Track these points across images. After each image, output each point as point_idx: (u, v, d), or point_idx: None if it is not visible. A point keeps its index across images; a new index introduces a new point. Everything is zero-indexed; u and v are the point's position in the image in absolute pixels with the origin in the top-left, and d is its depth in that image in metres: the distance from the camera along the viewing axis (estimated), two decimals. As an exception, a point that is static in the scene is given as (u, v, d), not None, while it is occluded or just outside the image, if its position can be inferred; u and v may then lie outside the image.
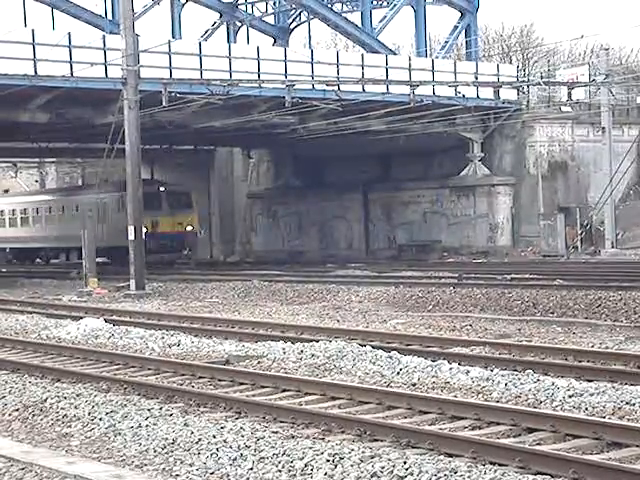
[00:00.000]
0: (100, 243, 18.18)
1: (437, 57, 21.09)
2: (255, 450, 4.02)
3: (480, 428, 4.42)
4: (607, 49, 20.81)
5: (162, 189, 19.44)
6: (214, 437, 4.26)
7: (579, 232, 18.23)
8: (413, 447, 4.11)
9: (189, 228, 19.63)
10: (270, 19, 23.48)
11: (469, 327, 8.49)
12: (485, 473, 3.51)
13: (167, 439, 4.30)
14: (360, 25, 20.93)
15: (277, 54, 16.94)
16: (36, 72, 13.98)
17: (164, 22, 21.87)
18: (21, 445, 4.38)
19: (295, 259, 20.55)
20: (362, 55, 18.40)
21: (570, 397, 4.92)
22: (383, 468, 3.62)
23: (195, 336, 8.08)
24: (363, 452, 3.84)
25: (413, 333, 7.99)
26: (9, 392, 5.70)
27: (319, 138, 17.60)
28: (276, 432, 4.38)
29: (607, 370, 5.77)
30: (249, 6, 23.00)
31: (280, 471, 3.74)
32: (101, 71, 14.46)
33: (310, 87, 16.33)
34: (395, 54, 22.99)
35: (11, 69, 13.80)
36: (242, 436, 4.26)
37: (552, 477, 3.58)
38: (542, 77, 19.69)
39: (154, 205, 18.30)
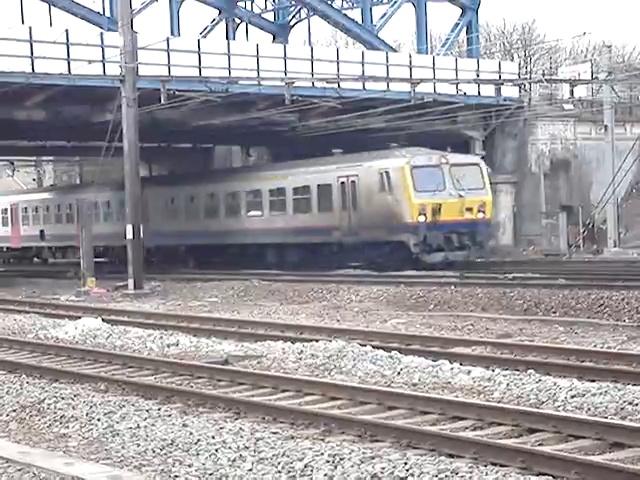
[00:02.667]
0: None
1: (438, 54, 21.03)
2: (254, 451, 4.00)
3: (482, 429, 4.40)
4: (609, 46, 20.73)
5: (444, 160, 13.92)
6: (213, 438, 4.24)
7: (581, 231, 18.15)
8: (414, 448, 4.09)
9: (481, 215, 13.97)
10: (269, 16, 23.42)
11: (470, 327, 8.46)
12: (487, 474, 3.49)
13: (166, 440, 4.28)
14: (360, 22, 20.85)
15: (277, 51, 16.87)
16: (33, 70, 13.93)
17: (162, 19, 21.81)
18: (18, 446, 4.35)
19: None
20: (362, 52, 18.32)
21: (572, 397, 4.89)
22: (384, 469, 3.60)
23: (194, 336, 8.05)
24: (363, 453, 3.83)
25: (414, 333, 7.97)
26: (6, 392, 5.68)
27: (319, 136, 17.53)
28: (276, 433, 4.37)
29: (610, 370, 5.75)
30: (248, 3, 22.94)
31: (280, 472, 3.72)
32: (99, 69, 14.40)
33: (310, 85, 16.25)
34: (396, 51, 22.92)
35: (8, 66, 13.75)
36: (241, 437, 4.24)
37: (554, 478, 3.56)
38: (544, 74, 19.58)
39: (435, 183, 13.78)
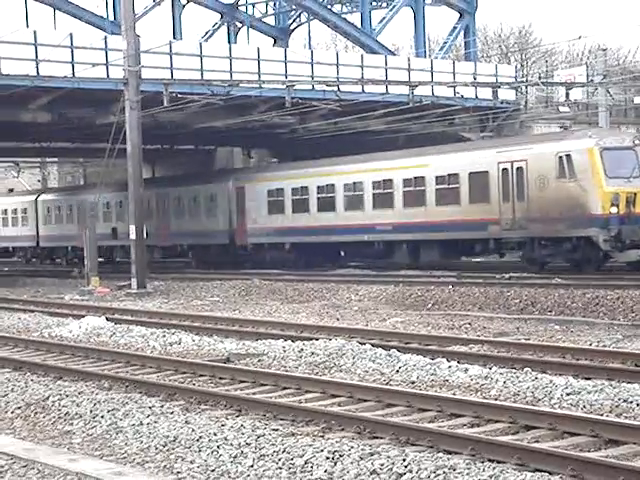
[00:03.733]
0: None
1: (436, 58, 21.04)
2: (255, 447, 4.02)
3: (479, 425, 4.42)
4: (605, 49, 20.77)
5: (638, 142, 12.01)
6: (215, 435, 4.26)
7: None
8: (412, 444, 4.11)
9: None
10: (270, 20, 23.50)
11: (468, 325, 8.48)
12: (484, 470, 3.51)
13: (168, 437, 4.30)
14: (360, 26, 20.91)
15: (277, 55, 16.95)
16: (38, 73, 14.00)
17: (165, 23, 21.95)
18: (23, 443, 4.38)
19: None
20: (362, 56, 18.41)
21: (568, 395, 4.91)
22: (382, 465, 3.63)
23: (196, 334, 8.08)
24: (363, 449, 3.85)
25: (412, 331, 7.98)
26: (11, 390, 5.71)
27: (319, 138, 17.57)
28: (276, 430, 4.39)
29: (605, 368, 5.76)
30: (249, 7, 23.01)
31: (280, 468, 3.75)
32: (103, 72, 14.47)
33: (310, 87, 16.35)
34: (394, 55, 22.96)
35: (13, 70, 13.82)
36: (242, 434, 4.27)
37: (550, 474, 3.57)
38: (540, 77, 19.66)
39: (628, 168, 11.71)
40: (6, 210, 25.93)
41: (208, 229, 18.35)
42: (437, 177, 13.98)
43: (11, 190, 29.00)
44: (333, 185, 15.67)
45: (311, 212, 16.06)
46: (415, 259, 14.48)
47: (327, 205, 15.76)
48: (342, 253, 16.50)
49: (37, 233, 24.18)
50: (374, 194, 14.90)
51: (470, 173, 13.43)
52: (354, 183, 15.30)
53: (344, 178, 15.46)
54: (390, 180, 14.63)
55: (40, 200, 24.52)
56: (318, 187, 15.93)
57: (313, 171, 16.21)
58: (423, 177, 14.16)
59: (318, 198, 15.89)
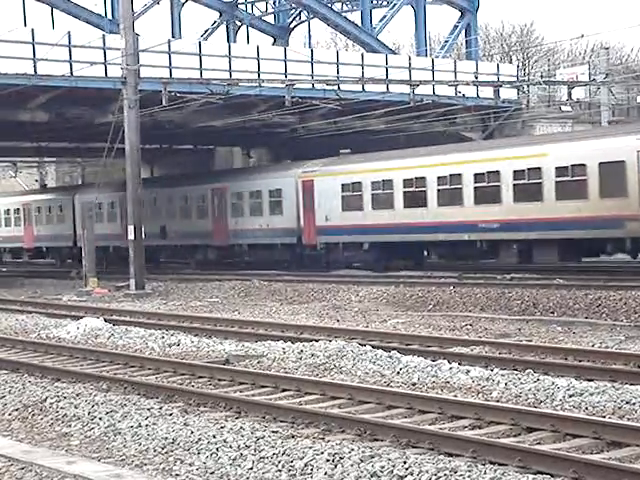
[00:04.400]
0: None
1: (437, 56, 21.02)
2: (255, 450, 4.01)
3: (480, 428, 4.41)
4: (607, 48, 20.77)
5: None
6: (214, 437, 4.25)
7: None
8: (413, 447, 4.11)
9: None
10: (270, 18, 23.47)
11: (469, 327, 8.47)
12: (485, 473, 3.50)
13: (167, 439, 4.29)
14: (360, 24, 20.87)
15: (277, 53, 16.89)
16: (36, 71, 13.95)
17: (164, 21, 21.91)
18: (21, 445, 4.37)
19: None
20: (362, 54, 18.35)
21: (570, 397, 4.91)
22: (383, 468, 3.62)
23: (195, 336, 8.08)
24: (363, 452, 3.84)
25: (413, 333, 7.98)
26: (9, 392, 5.69)
27: (319, 137, 17.53)
28: (276, 432, 4.38)
29: (607, 370, 5.76)
30: (249, 5, 22.99)
31: (280, 471, 3.73)
32: (101, 70, 14.42)
33: (310, 86, 16.27)
34: (395, 53, 23.00)
35: (11, 68, 13.78)
36: (242, 436, 4.25)
37: (552, 477, 3.57)
38: (542, 76, 19.63)
39: None
40: (39, 208, 22.90)
41: (271, 227, 16.41)
42: (557, 168, 12.29)
43: (44, 186, 26.66)
44: (424, 178, 13.90)
45: (396, 208, 14.30)
46: (525, 260, 12.95)
47: (416, 200, 14.00)
48: (426, 253, 15.08)
49: (74, 232, 21.11)
50: (476, 188, 13.23)
51: (601, 163, 11.82)
52: (450, 176, 13.59)
53: (438, 170, 13.77)
54: (497, 172, 12.97)
55: (78, 197, 21.74)
56: (405, 180, 14.19)
57: (399, 163, 14.43)
58: (539, 168, 12.49)
59: (405, 192, 14.15)
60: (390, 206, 14.54)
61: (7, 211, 24.80)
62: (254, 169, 18.91)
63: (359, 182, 15.05)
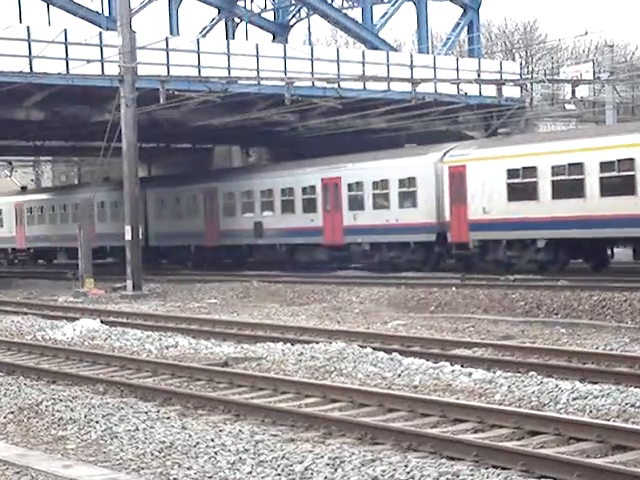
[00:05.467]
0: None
1: (439, 54, 20.95)
2: (254, 453, 3.98)
3: (483, 431, 4.38)
4: (611, 46, 20.65)
5: None
6: (212, 440, 4.22)
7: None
8: (415, 450, 4.07)
9: None
10: (269, 15, 23.40)
11: (471, 328, 8.44)
12: (488, 477, 3.48)
13: (164, 442, 4.26)
14: (361, 21, 20.79)
15: (276, 51, 16.78)
16: (32, 69, 13.88)
17: (161, 18, 21.81)
18: (16, 448, 4.33)
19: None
20: (363, 52, 18.24)
21: (574, 400, 4.87)
22: (384, 472, 3.59)
23: (193, 338, 8.03)
24: (364, 456, 3.81)
25: (415, 334, 7.93)
26: (4, 394, 5.65)
27: (319, 136, 17.45)
28: (275, 435, 4.35)
29: (612, 372, 5.73)
30: (248, 2, 22.92)
31: (279, 475, 3.70)
32: (97, 68, 14.33)
33: (310, 84, 16.16)
34: (396, 51, 22.97)
35: (6, 66, 13.71)
36: (241, 439, 4.23)
37: (556, 481, 3.53)
38: (545, 74, 19.56)
39: None
40: (103, 202, 20.02)
41: (401, 223, 13.84)
42: None
43: (107, 179, 24.01)
44: (632, 160, 11.18)
45: (587, 197, 11.61)
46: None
47: (618, 187, 11.30)
48: (611, 251, 12.40)
49: (146, 231, 17.93)
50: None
51: None
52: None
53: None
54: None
55: (150, 191, 18.68)
56: (603, 164, 11.46)
57: (594, 142, 11.76)
58: None
59: (601, 178, 11.44)
60: (579, 195, 11.77)
61: None
62: (377, 154, 15.19)
63: (533, 167, 12.38)
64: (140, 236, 13.69)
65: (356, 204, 14.92)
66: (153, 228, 18.86)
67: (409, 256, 14.27)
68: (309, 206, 15.77)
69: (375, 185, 14.72)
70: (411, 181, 14.22)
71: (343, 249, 15.39)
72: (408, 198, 14.20)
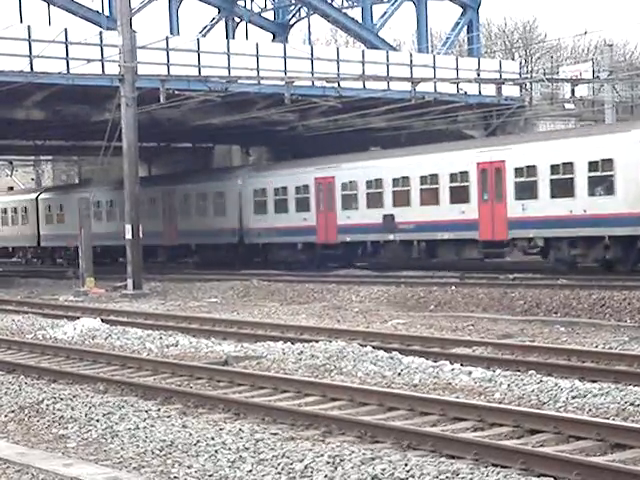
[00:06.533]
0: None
1: (439, 53, 20.97)
2: (254, 452, 3.98)
3: (482, 430, 4.38)
4: (611, 45, 20.68)
5: None
6: (213, 439, 4.22)
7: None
8: (414, 449, 4.07)
9: None
10: (269, 15, 23.41)
11: (471, 327, 8.43)
12: (487, 475, 3.48)
13: (165, 441, 4.26)
14: (360, 21, 20.80)
15: (276, 50, 16.80)
16: (32, 68, 13.89)
17: (162, 18, 21.81)
18: (17, 447, 4.33)
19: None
20: (362, 51, 18.27)
21: (573, 398, 4.88)
22: (384, 470, 3.59)
23: (193, 336, 8.03)
24: (364, 454, 3.81)
25: (414, 333, 7.93)
26: (5, 393, 5.66)
27: (319, 135, 17.44)
28: (275, 434, 4.35)
29: (611, 371, 5.73)
30: (248, 2, 22.92)
31: (280, 473, 3.70)
32: (98, 68, 14.35)
33: (310, 84, 16.19)
34: (396, 50, 22.98)
35: (7, 65, 13.71)
36: (241, 438, 4.23)
37: (555, 479, 3.54)
38: (545, 74, 19.53)
39: None
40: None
41: (591, 214, 11.00)
42: None
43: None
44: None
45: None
46: None
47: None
48: None
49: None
50: None
51: None
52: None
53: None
54: None
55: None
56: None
57: None
58: None
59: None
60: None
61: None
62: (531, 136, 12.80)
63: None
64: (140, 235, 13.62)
65: (529, 192, 11.94)
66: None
67: (597, 254, 11.43)
68: (460, 195, 12.89)
69: (554, 170, 11.61)
70: (608, 165, 11.06)
71: (503, 244, 12.74)
72: (602, 184, 11.29)
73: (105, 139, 13.39)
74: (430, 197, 13.78)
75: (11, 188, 28.59)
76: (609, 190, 11.57)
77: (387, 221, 13.97)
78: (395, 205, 14.11)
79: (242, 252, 17.11)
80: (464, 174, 13.34)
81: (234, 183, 17.38)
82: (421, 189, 13.91)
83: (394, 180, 14.26)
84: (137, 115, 13.56)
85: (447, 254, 13.81)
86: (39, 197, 23.66)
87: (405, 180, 14.12)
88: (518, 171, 12.66)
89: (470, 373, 5.68)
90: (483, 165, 13.11)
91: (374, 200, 14.35)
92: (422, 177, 13.91)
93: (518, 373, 5.64)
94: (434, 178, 13.74)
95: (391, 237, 14.06)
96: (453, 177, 13.51)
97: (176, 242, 18.67)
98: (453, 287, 11.09)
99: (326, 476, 3.59)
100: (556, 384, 5.18)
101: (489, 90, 17.88)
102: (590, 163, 11.72)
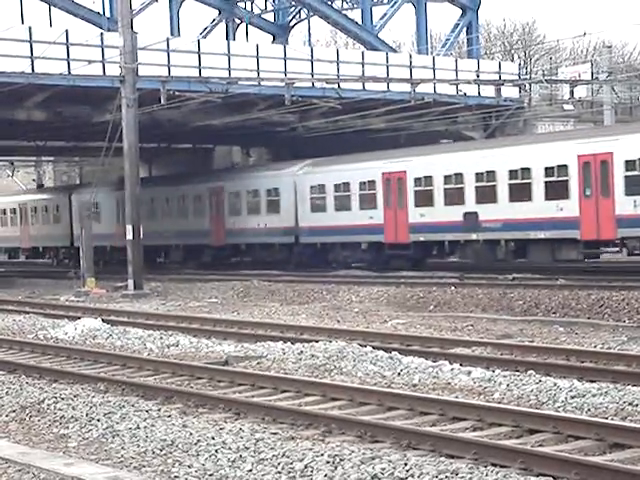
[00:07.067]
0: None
1: (438, 55, 21.00)
2: (254, 451, 3.99)
3: (482, 429, 4.39)
4: (610, 47, 20.72)
5: None
6: (213, 438, 4.23)
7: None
8: (414, 448, 4.08)
9: None
10: (269, 16, 23.44)
11: (470, 327, 8.44)
12: (487, 475, 3.48)
13: (165, 440, 4.26)
14: (360, 22, 20.83)
15: (276, 52, 16.83)
16: (33, 70, 13.91)
17: (162, 19, 21.83)
18: (18, 446, 4.34)
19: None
20: (362, 53, 18.30)
21: (572, 398, 4.88)
22: (384, 470, 3.59)
23: (194, 336, 8.04)
24: (363, 454, 3.82)
25: (414, 333, 7.95)
26: (6, 393, 5.66)
27: (319, 136, 17.48)
28: (276, 433, 4.36)
29: (609, 371, 5.74)
30: (248, 3, 22.96)
31: (280, 473, 3.71)
32: (99, 69, 14.39)
33: (310, 85, 16.22)
34: (396, 52, 22.94)
35: (8, 67, 13.74)
36: (241, 437, 4.23)
37: (554, 478, 3.55)
38: (544, 75, 19.54)
39: None
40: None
41: None
42: None
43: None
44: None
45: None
46: None
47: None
48: None
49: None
50: None
51: None
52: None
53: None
54: None
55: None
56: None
57: None
58: None
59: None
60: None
61: None
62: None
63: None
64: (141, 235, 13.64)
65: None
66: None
67: None
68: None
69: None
70: None
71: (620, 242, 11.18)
72: None
73: (106, 140, 13.37)
74: (521, 193, 12.30)
75: (41, 185, 28.10)
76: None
77: (469, 219, 12.62)
78: (478, 202, 12.71)
79: (297, 252, 15.96)
80: (562, 168, 11.87)
81: (289, 179, 16.16)
82: (510, 184, 12.44)
83: (477, 175, 12.80)
84: (138, 116, 13.58)
85: (540, 254, 12.42)
86: (72, 195, 22.15)
87: (490, 175, 12.65)
88: (630, 164, 11.19)
89: (469, 373, 5.69)
90: (585, 157, 11.70)
91: (453, 196, 12.98)
92: (511, 171, 12.51)
93: (517, 373, 5.65)
94: (526, 172, 12.27)
95: (474, 236, 12.75)
96: (549, 171, 12.04)
97: (223, 242, 17.33)
98: (452, 287, 11.10)
99: (326, 475, 3.59)
100: (555, 384, 5.19)
101: (488, 91, 17.87)
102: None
